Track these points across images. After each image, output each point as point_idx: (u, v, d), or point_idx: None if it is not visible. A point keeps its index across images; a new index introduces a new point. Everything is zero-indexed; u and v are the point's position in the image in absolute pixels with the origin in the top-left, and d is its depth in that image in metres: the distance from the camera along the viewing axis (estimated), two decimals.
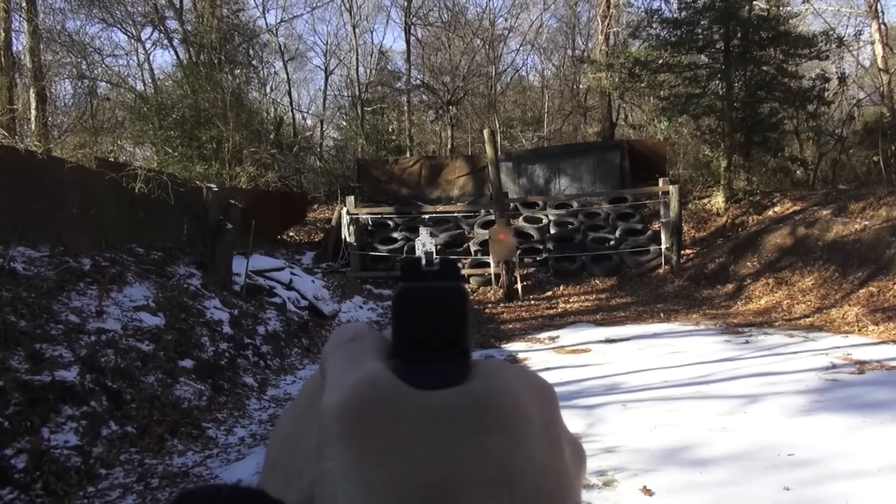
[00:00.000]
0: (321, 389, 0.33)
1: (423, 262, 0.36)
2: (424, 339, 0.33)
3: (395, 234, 16.14)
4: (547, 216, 16.46)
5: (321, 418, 0.31)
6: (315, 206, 21.56)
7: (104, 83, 20.32)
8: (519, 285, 13.60)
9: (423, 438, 0.29)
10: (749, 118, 16.99)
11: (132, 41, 22.18)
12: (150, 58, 22.75)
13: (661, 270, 14.30)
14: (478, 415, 0.30)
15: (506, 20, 30.38)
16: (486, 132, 14.73)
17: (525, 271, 14.57)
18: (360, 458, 0.29)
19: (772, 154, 17.16)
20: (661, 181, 14.96)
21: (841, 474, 4.15)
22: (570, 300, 13.34)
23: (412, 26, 28.39)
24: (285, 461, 0.35)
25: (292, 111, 28.36)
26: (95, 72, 19.58)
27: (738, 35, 16.35)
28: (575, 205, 16.61)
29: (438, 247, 14.76)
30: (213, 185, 11.19)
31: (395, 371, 0.32)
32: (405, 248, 15.31)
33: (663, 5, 18.22)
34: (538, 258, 15.32)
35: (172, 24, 20.09)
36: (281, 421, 0.38)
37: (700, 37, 16.73)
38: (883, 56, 18.24)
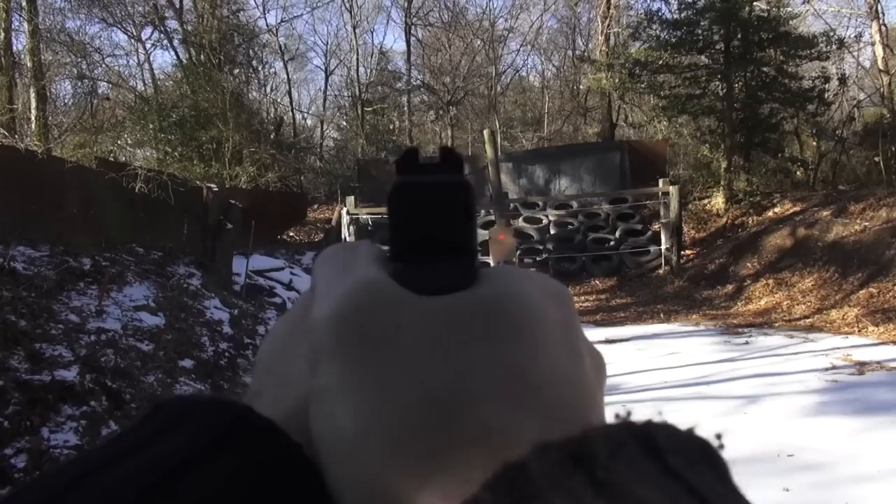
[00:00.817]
0: (312, 304, 0.30)
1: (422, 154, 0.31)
2: (426, 238, 0.29)
3: None
4: (547, 217, 16.46)
5: (313, 332, 0.28)
6: (315, 207, 21.57)
7: (104, 83, 20.34)
8: None
9: (427, 348, 0.26)
10: (749, 119, 16.98)
11: (132, 41, 22.21)
12: (150, 58, 22.75)
13: (661, 271, 14.30)
14: (489, 320, 0.27)
15: (506, 21, 30.42)
16: (486, 132, 14.73)
17: None
18: (357, 372, 0.26)
19: (772, 155, 17.16)
20: (661, 182, 14.96)
21: (841, 476, 4.15)
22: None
23: (412, 27, 28.42)
24: (281, 365, 0.32)
25: (292, 111, 28.39)
26: (95, 72, 19.61)
27: (739, 36, 16.35)
28: (575, 205, 16.60)
29: None
30: (213, 185, 11.20)
31: (394, 276, 0.28)
32: None
33: (663, 6, 18.20)
34: (538, 259, 15.32)
35: (172, 24, 20.10)
36: (273, 329, 0.35)
37: (700, 38, 16.72)
38: (883, 57, 18.24)
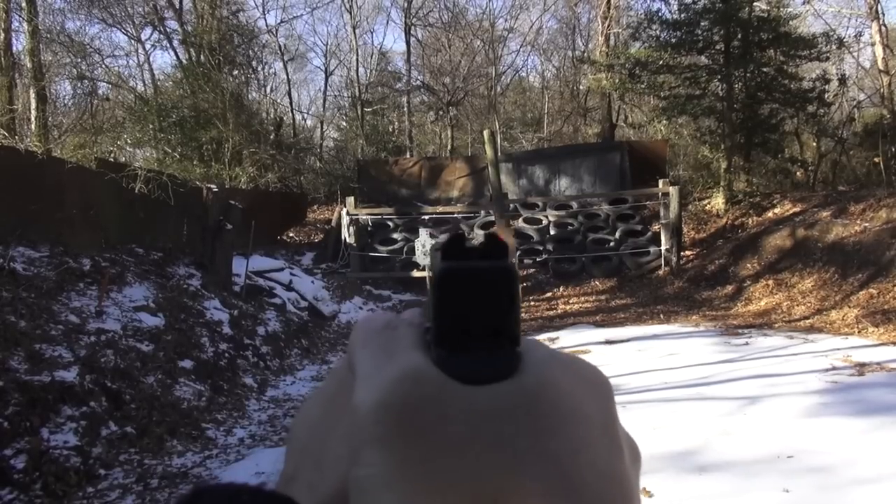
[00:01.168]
0: (349, 384, 0.30)
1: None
2: (470, 325, 0.29)
3: (395, 235, 16.13)
4: (547, 217, 16.45)
5: (355, 417, 0.28)
6: (315, 207, 21.57)
7: (104, 84, 20.33)
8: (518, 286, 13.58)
9: (472, 441, 0.26)
10: (749, 119, 16.99)
11: (132, 42, 22.20)
12: (150, 58, 22.75)
13: (660, 272, 14.30)
14: (534, 414, 0.27)
15: (506, 21, 30.41)
16: (486, 133, 14.73)
17: (525, 272, 14.57)
18: (403, 463, 0.26)
19: (772, 155, 17.17)
20: (661, 182, 14.96)
21: (842, 477, 4.15)
22: (570, 301, 13.34)
23: (412, 27, 28.40)
24: (317, 447, 0.32)
25: (292, 112, 28.39)
26: (95, 72, 19.58)
27: (738, 36, 16.35)
28: (575, 206, 16.60)
29: None
30: (212, 186, 11.19)
31: (438, 363, 0.28)
32: (405, 249, 15.31)
33: (663, 7, 18.21)
34: (538, 259, 15.32)
35: (172, 24, 20.11)
36: (306, 407, 0.35)
37: (700, 38, 16.73)
38: (883, 57, 18.25)
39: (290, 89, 28.46)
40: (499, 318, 0.29)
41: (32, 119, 13.81)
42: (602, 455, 0.27)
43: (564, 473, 0.26)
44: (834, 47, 17.12)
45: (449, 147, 26.64)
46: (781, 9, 17.14)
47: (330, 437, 0.31)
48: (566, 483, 0.26)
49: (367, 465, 0.27)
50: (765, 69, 16.77)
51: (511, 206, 16.07)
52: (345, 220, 15.66)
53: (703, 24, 16.59)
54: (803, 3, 19.94)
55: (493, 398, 0.27)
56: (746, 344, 8.58)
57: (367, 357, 0.31)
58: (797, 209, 14.48)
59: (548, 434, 0.26)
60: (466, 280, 0.30)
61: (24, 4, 13.98)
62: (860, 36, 19.94)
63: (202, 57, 18.63)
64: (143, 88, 21.25)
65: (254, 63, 24.08)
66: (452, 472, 0.25)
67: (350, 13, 28.22)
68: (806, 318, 10.26)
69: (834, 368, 6.86)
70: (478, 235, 15.45)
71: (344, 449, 0.28)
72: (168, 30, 20.25)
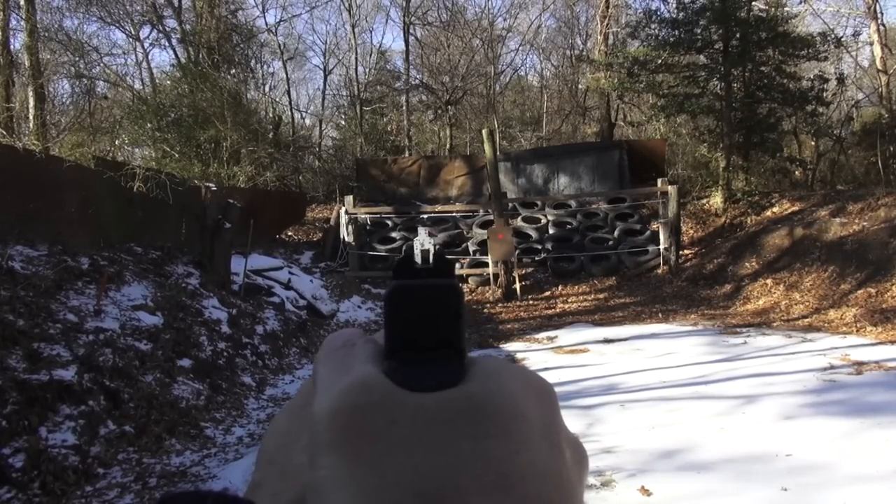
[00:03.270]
0: (313, 396, 0.32)
1: (418, 259, 0.34)
2: (418, 338, 0.32)
3: (394, 234, 16.13)
4: (546, 216, 16.46)
5: (312, 425, 0.30)
6: (314, 206, 21.55)
7: (102, 82, 20.29)
8: (517, 285, 13.60)
9: (418, 444, 0.28)
10: (748, 118, 17.00)
11: (130, 40, 22.18)
12: (149, 57, 22.73)
13: (659, 271, 14.31)
14: (475, 418, 0.29)
15: (505, 20, 30.38)
16: (484, 132, 14.73)
17: (524, 271, 14.58)
18: (353, 465, 0.28)
19: (770, 154, 17.18)
20: (659, 181, 14.97)
21: (839, 475, 4.16)
22: (569, 300, 13.35)
23: (411, 26, 28.38)
24: (283, 457, 0.34)
25: (291, 111, 28.37)
26: (93, 71, 19.54)
27: (737, 35, 16.35)
28: (574, 205, 16.60)
29: (437, 247, 14.75)
30: (211, 185, 11.19)
31: (388, 373, 0.30)
32: (404, 248, 15.30)
33: (662, 6, 18.20)
34: (537, 258, 15.32)
35: (171, 23, 20.07)
36: (276, 419, 0.37)
37: (699, 37, 16.74)
38: (882, 57, 18.27)
39: (288, 88, 28.46)
40: (445, 332, 0.32)
41: (30, 117, 13.78)
42: (541, 456, 0.29)
43: (503, 472, 0.28)
44: (832, 47, 17.12)
45: (448, 146, 26.63)
46: (780, 8, 17.15)
47: (295, 448, 0.33)
48: (504, 481, 0.27)
49: (321, 469, 0.28)
50: (763, 68, 16.79)
51: (510, 205, 16.08)
52: (343, 219, 15.65)
53: (701, 23, 16.60)
54: (801, 2, 19.96)
55: (438, 404, 0.29)
56: (745, 343, 8.59)
57: (327, 371, 0.33)
58: (796, 208, 14.50)
59: (488, 437, 0.28)
60: (414, 297, 0.32)
61: (22, 2, 13.95)
62: (858, 35, 19.95)
63: (201, 56, 18.61)
64: (141, 87, 21.23)
65: (252, 62, 24.09)
66: (399, 472, 0.27)
67: (349, 12, 28.21)
68: (804, 317, 10.28)
69: (832, 367, 6.87)
70: (477, 234, 15.46)
71: (305, 457, 0.30)
72: (167, 28, 20.23)
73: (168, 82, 21.00)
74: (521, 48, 30.89)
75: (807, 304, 10.96)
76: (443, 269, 0.34)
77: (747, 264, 13.35)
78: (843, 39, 18.09)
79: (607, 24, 23.28)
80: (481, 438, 0.28)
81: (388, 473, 0.27)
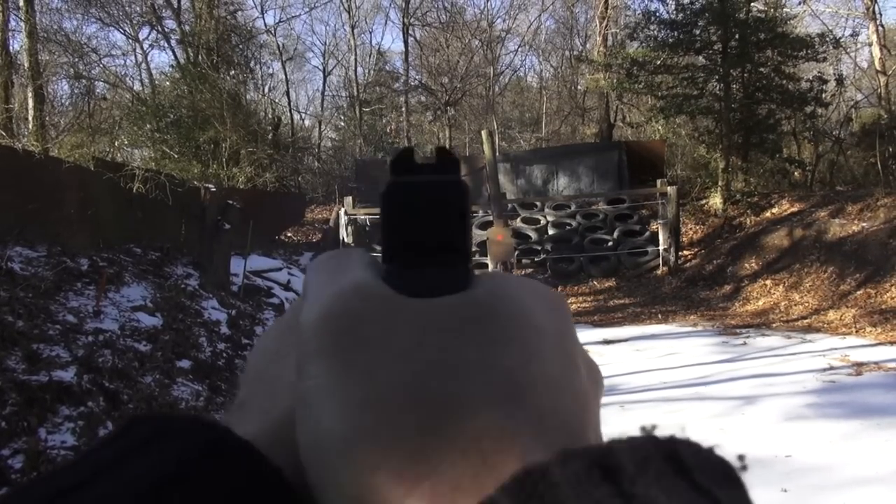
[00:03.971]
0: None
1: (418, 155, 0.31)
2: (419, 240, 0.29)
3: None
4: (545, 217, 16.46)
5: (301, 335, 0.28)
6: (313, 207, 21.57)
7: (102, 83, 20.30)
8: None
9: (418, 351, 0.25)
10: (747, 119, 17.01)
11: (129, 41, 22.20)
12: (148, 58, 22.73)
13: (658, 271, 14.31)
14: (483, 325, 0.26)
15: (504, 21, 30.43)
16: (484, 132, 14.72)
17: (523, 272, 14.58)
18: (343, 373, 0.25)
19: (769, 155, 17.18)
20: (659, 182, 14.97)
21: (839, 476, 4.15)
22: (568, 301, 13.31)
23: (410, 27, 28.39)
24: (272, 374, 0.31)
25: (290, 112, 28.37)
26: (93, 72, 19.56)
27: (736, 37, 16.36)
28: (573, 206, 16.60)
29: None
30: (210, 186, 11.18)
31: (386, 278, 0.28)
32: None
33: (661, 7, 18.20)
34: (536, 259, 15.32)
35: (170, 24, 20.08)
36: (264, 337, 0.34)
37: (698, 38, 16.74)
38: (881, 58, 18.29)
39: (288, 89, 28.48)
40: (449, 233, 0.29)
41: (30, 118, 13.77)
42: (555, 367, 0.27)
43: (513, 382, 0.25)
44: (831, 48, 17.14)
45: (447, 147, 26.61)
46: (779, 9, 17.17)
47: (284, 365, 0.31)
48: (515, 391, 0.25)
49: (309, 378, 0.26)
50: (762, 69, 16.80)
51: (509, 205, 16.07)
52: (343, 220, 15.65)
53: (700, 24, 16.61)
54: (800, 3, 19.97)
55: (441, 310, 0.27)
56: (744, 344, 8.59)
57: (318, 280, 0.30)
58: (795, 209, 14.50)
59: (496, 344, 0.26)
60: (415, 194, 0.29)
61: (21, 3, 13.95)
62: (857, 36, 19.98)
63: (200, 57, 18.61)
64: (140, 88, 21.26)
65: (252, 63, 24.09)
66: (396, 382, 0.25)
67: (348, 13, 28.27)
68: (804, 317, 10.28)
69: (831, 368, 6.87)
70: (476, 235, 15.46)
71: (294, 371, 0.28)
72: (166, 29, 20.25)
73: (167, 83, 21.01)
74: (520, 49, 30.98)
75: (806, 304, 10.96)
76: (447, 164, 0.30)
77: (747, 265, 13.35)
78: (841, 40, 18.12)
79: (606, 25, 23.29)
80: (490, 346, 0.26)
81: (382, 381, 0.25)
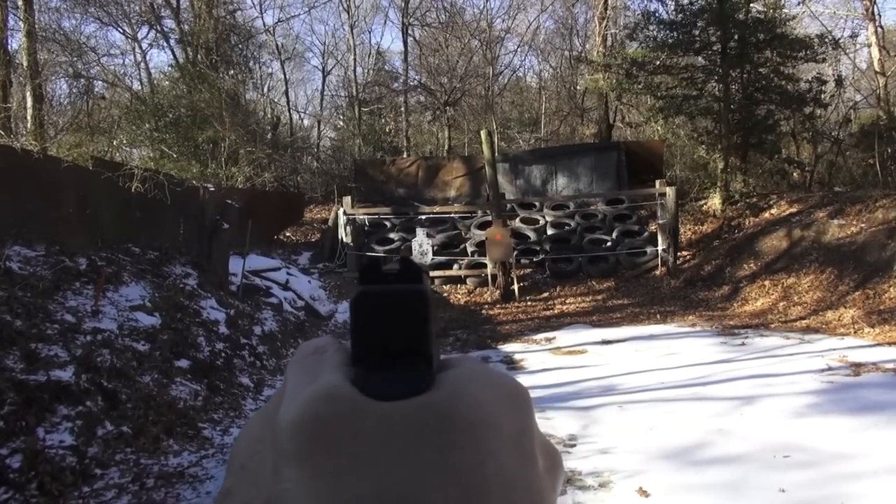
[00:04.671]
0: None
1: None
2: (384, 345, 0.31)
3: (392, 235, 16.12)
4: (544, 217, 16.46)
5: (277, 434, 0.30)
6: (312, 207, 21.54)
7: (100, 82, 20.28)
8: (516, 286, 13.60)
9: (381, 456, 0.27)
10: (746, 120, 17.02)
11: (128, 41, 22.17)
12: (147, 57, 22.72)
13: (657, 272, 14.32)
14: (441, 428, 0.28)
15: (503, 21, 30.40)
16: (483, 132, 14.73)
17: (522, 272, 14.58)
18: (315, 478, 0.27)
19: (768, 156, 17.19)
20: (658, 183, 14.98)
21: (837, 476, 4.16)
22: (567, 301, 13.35)
23: (410, 27, 28.38)
24: (256, 463, 0.33)
25: (289, 111, 28.37)
26: (91, 71, 19.53)
27: (735, 37, 16.37)
28: (572, 206, 16.60)
29: (435, 247, 14.76)
30: (209, 185, 11.17)
31: (355, 381, 0.30)
32: (402, 249, 15.29)
33: (660, 7, 18.21)
34: (535, 259, 15.32)
35: (169, 23, 20.06)
36: (249, 424, 0.36)
37: (697, 39, 16.76)
38: (879, 59, 18.31)
39: (287, 89, 28.46)
40: (413, 338, 0.31)
41: (28, 118, 13.75)
42: (510, 465, 0.29)
43: (469, 484, 0.27)
44: (830, 49, 17.15)
45: (446, 147, 26.62)
46: (778, 10, 17.17)
47: (264, 458, 0.32)
48: (469, 493, 0.27)
49: (284, 480, 0.28)
50: (761, 70, 16.82)
51: (508, 205, 16.07)
52: (342, 220, 15.65)
53: (699, 24, 16.62)
54: (799, 3, 19.99)
55: (403, 414, 0.28)
56: (743, 344, 8.60)
57: (295, 378, 0.32)
58: (794, 210, 14.51)
59: (453, 447, 0.27)
60: (381, 302, 0.31)
61: (20, 2, 13.93)
62: (856, 37, 19.99)
63: (199, 56, 18.60)
64: (139, 87, 21.23)
65: (251, 63, 24.06)
66: (361, 486, 0.26)
67: (348, 13, 28.23)
68: (802, 318, 10.29)
69: (830, 369, 6.88)
70: (475, 235, 15.46)
71: (272, 467, 0.30)
72: (165, 29, 20.22)
73: (166, 83, 20.98)
74: (519, 49, 30.95)
75: (805, 305, 10.97)
76: (411, 273, 0.33)
77: (745, 266, 13.36)
78: (840, 41, 18.16)
79: (606, 26, 23.30)
80: (447, 449, 0.27)
81: (349, 489, 0.27)
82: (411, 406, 0.28)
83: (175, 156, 15.23)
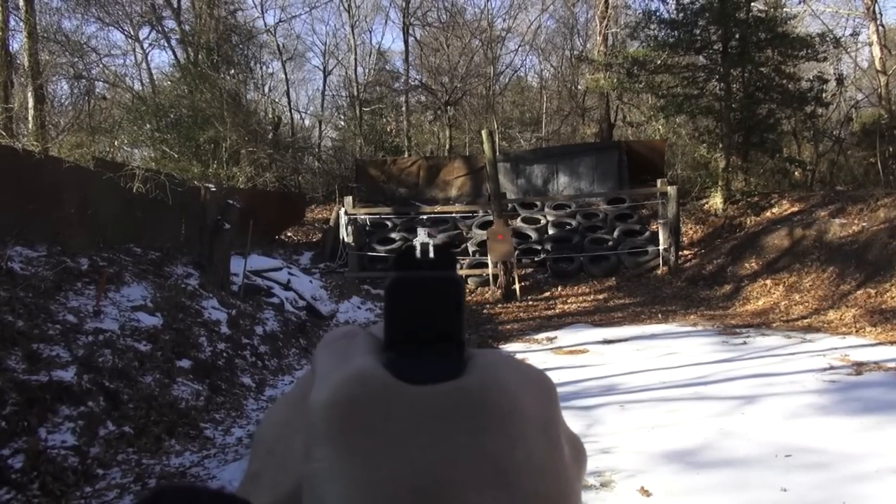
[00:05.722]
0: (312, 385, 0.32)
1: (419, 252, 0.34)
2: (418, 330, 0.32)
3: (394, 235, 16.13)
4: (545, 217, 16.46)
5: (308, 416, 0.30)
6: (313, 207, 21.54)
7: (101, 83, 20.30)
8: (517, 286, 13.60)
9: (414, 438, 0.28)
10: (747, 119, 17.01)
11: (129, 41, 22.19)
12: (148, 58, 22.72)
13: (659, 271, 14.31)
14: (472, 412, 0.29)
15: (504, 21, 30.38)
16: (484, 132, 14.73)
17: (523, 272, 14.57)
18: (347, 458, 0.28)
19: (770, 155, 17.19)
20: (659, 182, 14.98)
21: (839, 475, 4.15)
22: (568, 301, 13.34)
23: (410, 27, 28.37)
24: (283, 447, 0.34)
25: (290, 111, 28.35)
26: (93, 71, 19.54)
27: (736, 36, 16.37)
28: (573, 205, 16.60)
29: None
30: (211, 185, 11.18)
31: (387, 365, 0.30)
32: (403, 248, 15.26)
33: (661, 6, 18.19)
34: (536, 259, 15.32)
35: (170, 23, 20.07)
36: (273, 410, 0.37)
37: (698, 38, 16.75)
38: (881, 58, 18.29)
39: (288, 89, 28.45)
40: (445, 324, 0.32)
41: (29, 118, 13.76)
42: (539, 451, 0.29)
43: (499, 468, 0.27)
44: (831, 47, 17.13)
45: (447, 147, 26.61)
46: (779, 9, 17.16)
47: (295, 439, 0.33)
48: (501, 477, 0.27)
49: (316, 460, 0.29)
50: (762, 69, 16.80)
51: (509, 205, 16.07)
52: (343, 220, 15.66)
53: (700, 23, 16.61)
54: (800, 2, 19.97)
55: (435, 398, 0.29)
56: (744, 343, 8.59)
57: (325, 361, 0.33)
58: (795, 209, 14.50)
59: (485, 431, 0.28)
60: (415, 289, 0.32)
61: (21, 3, 13.94)
62: (857, 36, 19.96)
63: (200, 56, 18.60)
64: (140, 88, 21.24)
65: (252, 63, 24.07)
66: (393, 467, 0.27)
67: (349, 12, 28.22)
68: (804, 317, 10.28)
69: (831, 368, 6.87)
70: (476, 235, 15.46)
71: (303, 447, 0.30)
72: (166, 29, 20.23)
73: (167, 83, 21.00)
74: (520, 49, 30.92)
75: (806, 304, 10.96)
76: (445, 261, 0.34)
77: (747, 265, 13.35)
78: (842, 40, 18.13)
79: (606, 25, 23.29)
80: (478, 433, 0.28)
81: (382, 468, 0.27)
82: (444, 390, 0.29)
83: (176, 156, 15.24)
